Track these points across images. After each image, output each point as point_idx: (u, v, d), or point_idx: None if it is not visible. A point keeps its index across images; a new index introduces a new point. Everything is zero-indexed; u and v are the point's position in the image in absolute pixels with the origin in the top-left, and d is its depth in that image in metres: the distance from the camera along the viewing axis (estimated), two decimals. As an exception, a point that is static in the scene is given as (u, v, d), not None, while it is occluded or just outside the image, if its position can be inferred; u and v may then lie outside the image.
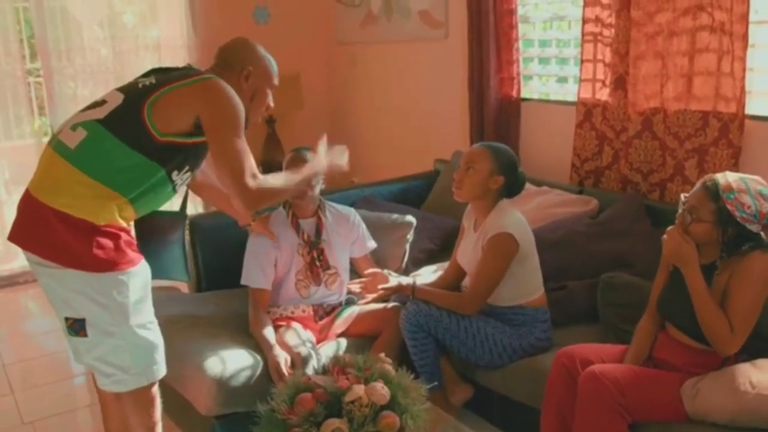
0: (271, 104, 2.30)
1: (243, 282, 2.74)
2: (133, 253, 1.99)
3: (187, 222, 2.39)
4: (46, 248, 1.92)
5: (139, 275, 1.99)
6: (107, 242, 1.92)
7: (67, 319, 1.96)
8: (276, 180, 2.19)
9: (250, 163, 2.04)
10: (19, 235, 1.98)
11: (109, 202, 1.94)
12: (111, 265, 1.92)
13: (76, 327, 1.95)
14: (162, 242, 2.30)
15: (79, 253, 1.89)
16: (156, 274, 2.10)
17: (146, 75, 2.13)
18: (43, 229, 1.92)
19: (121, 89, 2.08)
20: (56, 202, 1.90)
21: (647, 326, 2.24)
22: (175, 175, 2.05)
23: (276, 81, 2.29)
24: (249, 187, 2.01)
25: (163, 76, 2.08)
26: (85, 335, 1.95)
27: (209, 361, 2.44)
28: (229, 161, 2.01)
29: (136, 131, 1.95)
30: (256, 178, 2.04)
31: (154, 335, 2.05)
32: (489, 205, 2.56)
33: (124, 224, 1.98)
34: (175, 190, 2.12)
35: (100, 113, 1.99)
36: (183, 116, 1.99)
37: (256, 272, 2.72)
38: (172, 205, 2.28)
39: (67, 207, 1.89)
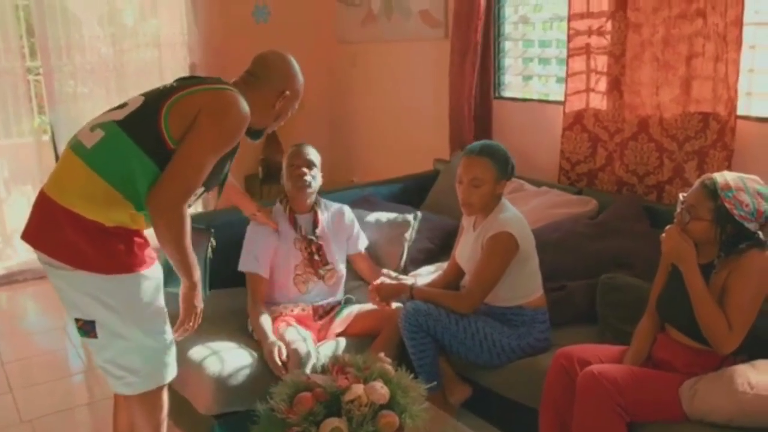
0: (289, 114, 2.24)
1: (240, 268, 2.75)
2: (145, 256, 1.94)
3: (213, 238, 2.31)
4: (55, 249, 1.88)
5: (150, 278, 1.95)
6: (117, 244, 1.89)
7: (77, 320, 1.93)
8: (186, 235, 1.96)
9: (196, 184, 1.92)
10: (31, 234, 1.94)
11: (119, 207, 1.88)
12: (121, 267, 1.89)
13: (87, 328, 1.93)
14: None
15: (88, 255, 1.85)
16: (177, 286, 2.07)
17: (173, 81, 2.07)
18: (53, 229, 1.88)
19: (143, 93, 2.02)
20: (68, 201, 1.86)
21: (647, 327, 2.25)
22: None
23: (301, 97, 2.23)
24: (172, 203, 1.88)
25: (185, 81, 2.02)
26: (96, 337, 1.93)
27: (208, 360, 2.45)
28: (182, 169, 1.88)
29: (151, 136, 1.88)
30: (184, 203, 1.91)
31: (165, 338, 2.03)
32: (492, 206, 2.56)
33: (135, 227, 1.93)
34: (188, 206, 2.01)
35: (120, 115, 1.94)
36: (188, 122, 1.90)
37: (251, 257, 2.73)
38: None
39: (79, 207, 1.85)
